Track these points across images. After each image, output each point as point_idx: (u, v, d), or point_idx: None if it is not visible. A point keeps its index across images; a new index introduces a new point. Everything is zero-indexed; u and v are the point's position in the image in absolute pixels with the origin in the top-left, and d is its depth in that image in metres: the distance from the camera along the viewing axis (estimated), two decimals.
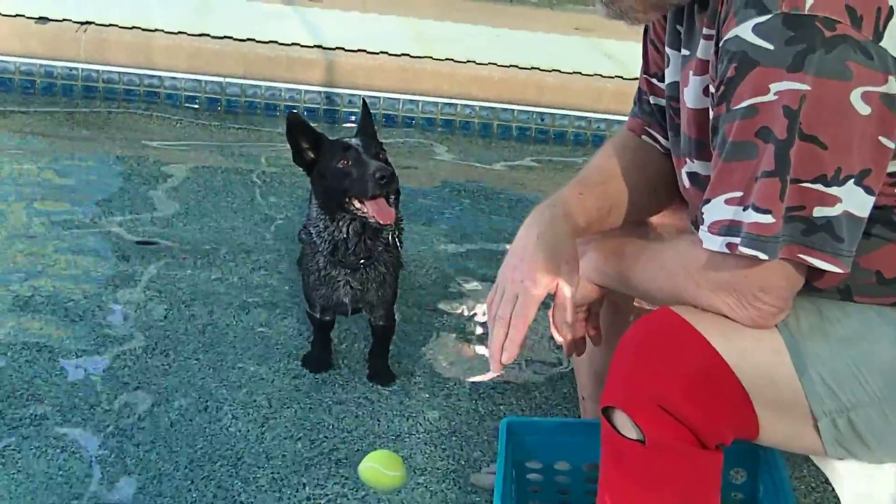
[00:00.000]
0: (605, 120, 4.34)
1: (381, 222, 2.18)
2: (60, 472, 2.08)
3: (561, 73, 4.41)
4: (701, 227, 1.39)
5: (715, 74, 1.38)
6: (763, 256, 1.31)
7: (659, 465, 1.42)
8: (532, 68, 4.40)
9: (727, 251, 1.34)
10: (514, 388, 2.51)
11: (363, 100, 2.48)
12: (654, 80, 1.73)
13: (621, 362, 1.45)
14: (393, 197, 2.26)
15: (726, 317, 1.41)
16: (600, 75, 4.42)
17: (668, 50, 1.62)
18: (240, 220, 3.27)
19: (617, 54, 4.70)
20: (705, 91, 1.47)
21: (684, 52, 1.55)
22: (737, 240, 1.32)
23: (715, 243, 1.36)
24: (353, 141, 2.24)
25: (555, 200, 1.62)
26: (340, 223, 2.27)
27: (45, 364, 2.42)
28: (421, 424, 2.34)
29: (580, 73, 4.42)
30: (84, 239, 3.04)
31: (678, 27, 1.57)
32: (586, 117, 4.36)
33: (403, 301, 2.79)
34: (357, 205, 2.20)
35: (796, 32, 1.25)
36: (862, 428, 1.40)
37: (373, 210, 2.18)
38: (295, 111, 2.27)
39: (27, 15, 4.22)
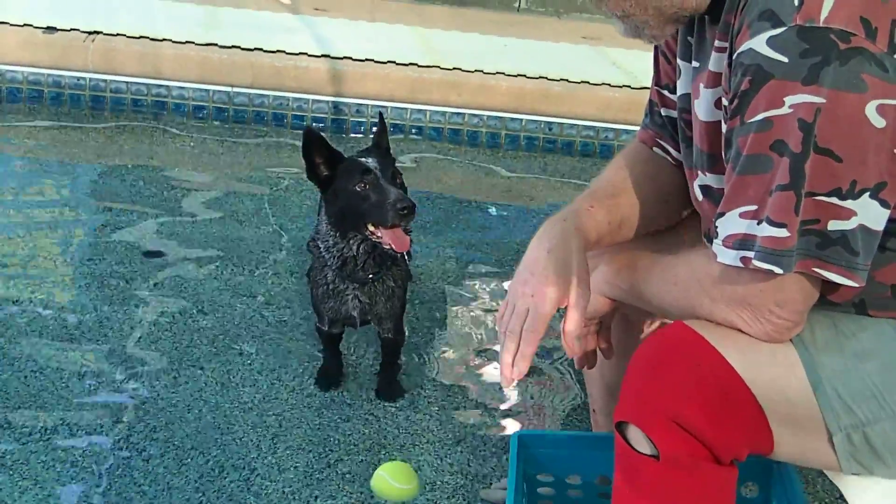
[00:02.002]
0: (613, 129, 4.33)
1: (397, 251, 2.18)
2: (70, 482, 2.07)
3: (569, 82, 4.40)
4: (715, 240, 1.38)
5: (728, 87, 1.37)
6: (778, 270, 1.30)
7: (673, 481, 1.41)
8: (539, 78, 4.40)
9: (741, 265, 1.33)
10: (524, 400, 2.50)
11: (380, 114, 2.45)
12: (666, 92, 1.72)
13: (635, 377, 1.44)
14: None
15: (741, 331, 1.40)
16: (608, 85, 4.41)
17: (679, 62, 1.61)
18: (248, 231, 3.26)
19: (625, 64, 4.70)
20: (717, 104, 1.46)
21: (695, 63, 1.54)
22: (751, 254, 1.31)
23: (729, 257, 1.35)
24: (371, 162, 2.21)
25: (566, 214, 1.61)
26: (351, 241, 2.26)
27: (52, 375, 2.41)
28: (428, 438, 2.33)
29: (588, 82, 4.42)
30: (91, 249, 3.03)
31: (689, 38, 1.57)
32: (594, 127, 4.35)
33: (412, 313, 2.78)
34: (372, 229, 2.19)
35: (811, 45, 1.24)
36: (878, 443, 1.39)
37: (389, 237, 2.17)
38: (312, 126, 2.23)
39: (35, 25, 4.22)
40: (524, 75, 4.39)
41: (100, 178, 3.58)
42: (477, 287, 3.05)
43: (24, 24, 4.21)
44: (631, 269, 1.60)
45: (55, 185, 3.48)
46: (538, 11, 5.81)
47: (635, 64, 4.58)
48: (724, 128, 1.41)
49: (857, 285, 1.31)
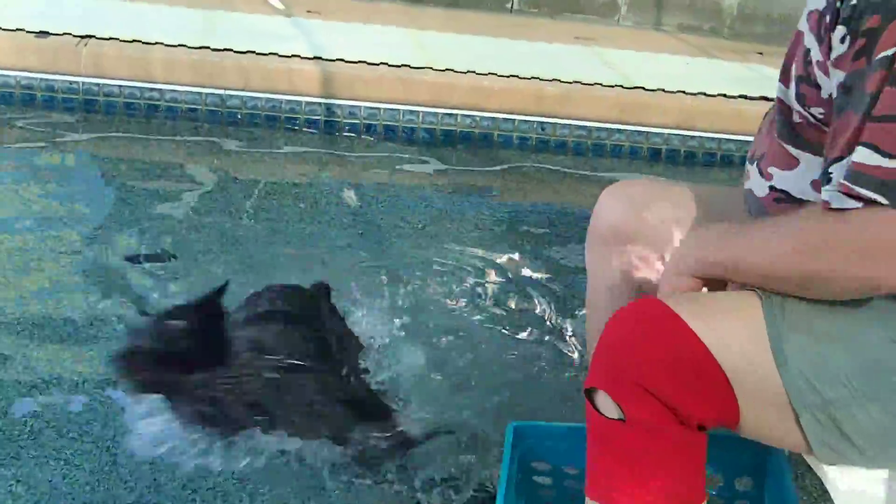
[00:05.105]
0: (606, 129, 4.33)
1: None
2: (63, 482, 2.07)
3: (561, 82, 4.41)
4: (826, 187, 1.31)
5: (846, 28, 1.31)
6: (883, 201, 1.25)
7: (639, 443, 1.40)
8: (532, 78, 4.40)
9: (859, 205, 1.27)
10: (521, 385, 2.50)
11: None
12: None
13: (603, 346, 1.44)
14: None
15: (879, 290, 1.34)
16: (601, 84, 4.42)
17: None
18: (241, 233, 3.26)
19: (617, 63, 4.70)
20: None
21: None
22: (861, 187, 1.26)
23: (849, 201, 1.28)
24: None
25: None
26: None
27: (44, 375, 2.40)
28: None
29: (580, 82, 4.42)
30: (81, 252, 3.03)
31: None
32: (587, 126, 4.36)
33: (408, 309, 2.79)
34: None
35: None
36: (848, 428, 1.37)
37: None
38: None
39: (27, 29, 4.22)
40: (517, 76, 4.40)
41: (91, 182, 3.58)
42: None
43: (17, 29, 4.22)
44: (726, 238, 1.49)
45: (45, 187, 3.48)
46: (531, 12, 5.82)
47: (627, 64, 4.59)
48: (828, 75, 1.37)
49: None
